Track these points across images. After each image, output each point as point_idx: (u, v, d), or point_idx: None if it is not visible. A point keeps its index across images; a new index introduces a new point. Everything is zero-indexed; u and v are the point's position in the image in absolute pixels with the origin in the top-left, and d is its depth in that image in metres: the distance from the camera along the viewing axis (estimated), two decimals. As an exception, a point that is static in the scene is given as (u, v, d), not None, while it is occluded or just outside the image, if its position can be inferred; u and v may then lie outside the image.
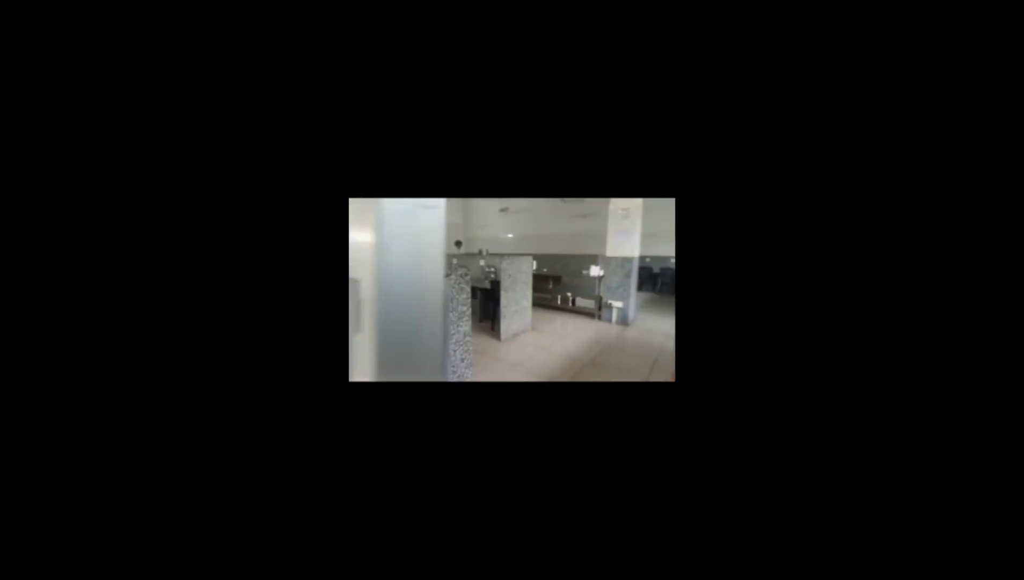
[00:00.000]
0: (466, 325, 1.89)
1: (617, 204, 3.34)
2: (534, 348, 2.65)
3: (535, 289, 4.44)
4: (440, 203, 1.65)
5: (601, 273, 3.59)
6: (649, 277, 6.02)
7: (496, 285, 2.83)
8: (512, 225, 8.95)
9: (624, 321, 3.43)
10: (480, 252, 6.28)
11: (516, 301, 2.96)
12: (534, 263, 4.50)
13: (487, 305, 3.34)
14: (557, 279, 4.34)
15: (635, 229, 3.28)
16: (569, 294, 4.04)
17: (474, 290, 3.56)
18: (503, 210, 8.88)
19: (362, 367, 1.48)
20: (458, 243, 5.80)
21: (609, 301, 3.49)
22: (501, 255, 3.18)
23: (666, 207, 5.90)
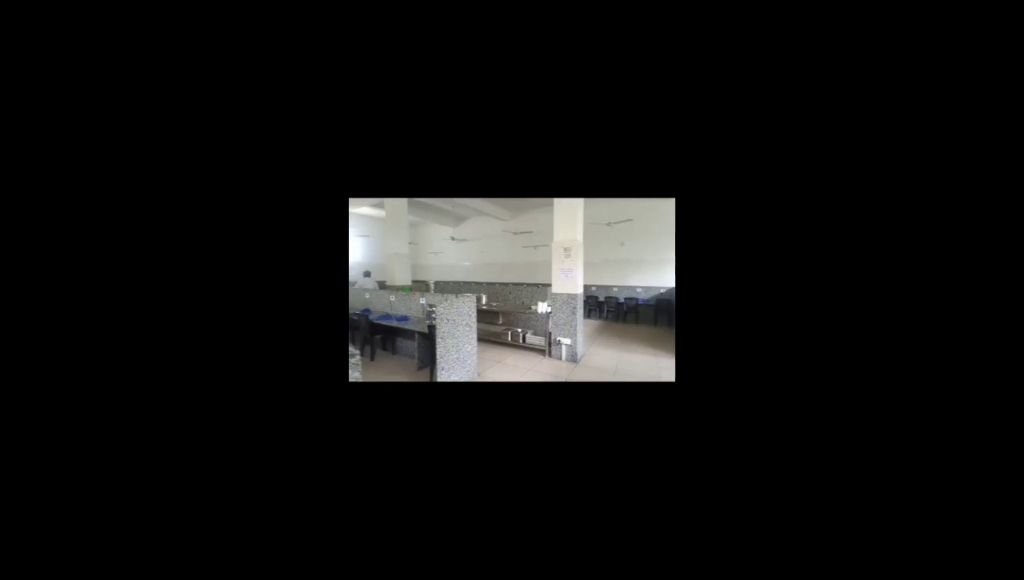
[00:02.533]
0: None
1: (559, 242, 3.41)
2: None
3: (485, 323, 4.24)
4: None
5: (549, 309, 3.56)
6: (596, 305, 6.33)
7: (433, 330, 2.54)
8: (466, 253, 8.84)
9: (573, 358, 3.39)
10: (429, 286, 5.91)
11: (458, 347, 2.69)
12: (483, 298, 4.34)
13: (426, 351, 3.00)
14: (506, 314, 4.22)
15: (577, 267, 3.36)
16: (519, 330, 3.92)
17: (413, 333, 3.20)
18: (453, 239, 8.74)
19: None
20: (367, 273, 4.33)
21: (558, 338, 3.44)
22: (444, 295, 2.92)
23: (610, 236, 6.41)
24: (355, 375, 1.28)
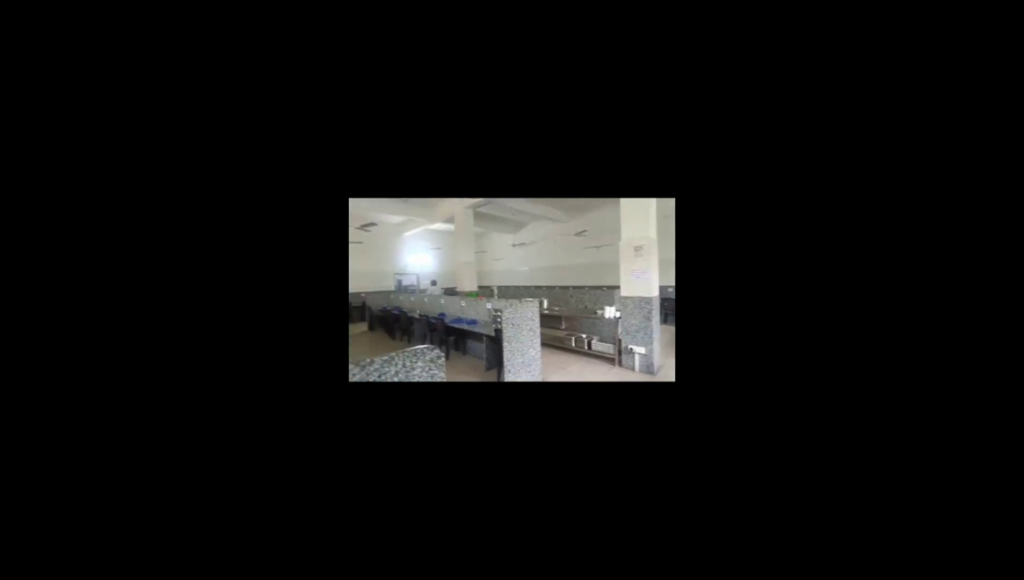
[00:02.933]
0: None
1: (628, 241, 3.12)
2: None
3: (547, 327, 4.19)
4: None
5: (618, 314, 3.28)
6: (674, 309, 5.53)
7: (500, 333, 2.64)
8: (526, 257, 8.99)
9: (649, 369, 3.02)
10: (493, 291, 6.21)
11: (523, 351, 2.73)
12: (545, 303, 4.30)
13: (493, 353, 3.13)
14: (569, 319, 4.07)
15: (651, 266, 3.01)
16: (584, 336, 3.73)
17: (481, 336, 3.39)
18: (514, 245, 8.98)
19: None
20: (433, 282, 4.97)
21: (630, 346, 3.13)
22: (508, 301, 3.02)
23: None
24: (440, 375, 1.40)
